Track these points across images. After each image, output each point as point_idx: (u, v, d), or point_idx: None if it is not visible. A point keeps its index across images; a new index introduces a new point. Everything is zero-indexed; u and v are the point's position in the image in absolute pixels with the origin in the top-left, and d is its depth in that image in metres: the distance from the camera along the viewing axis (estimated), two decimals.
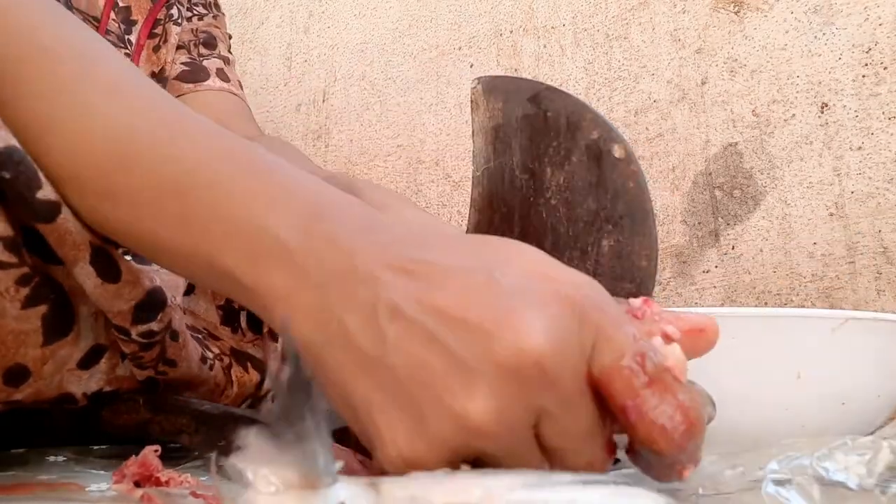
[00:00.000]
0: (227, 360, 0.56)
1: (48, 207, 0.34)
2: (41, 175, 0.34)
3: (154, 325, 0.41)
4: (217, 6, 0.84)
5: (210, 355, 0.52)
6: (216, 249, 0.31)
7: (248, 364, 0.58)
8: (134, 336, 0.41)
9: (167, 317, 0.42)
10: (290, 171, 0.33)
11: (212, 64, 0.77)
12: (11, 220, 0.35)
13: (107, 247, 0.38)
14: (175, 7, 0.75)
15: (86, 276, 0.37)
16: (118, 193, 0.33)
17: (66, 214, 0.35)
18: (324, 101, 1.15)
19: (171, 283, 0.43)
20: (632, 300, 0.31)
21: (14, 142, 0.33)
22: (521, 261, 0.29)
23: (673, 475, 0.29)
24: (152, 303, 0.40)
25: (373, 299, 0.28)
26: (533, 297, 0.27)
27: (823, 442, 0.30)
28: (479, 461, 0.28)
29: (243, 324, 0.63)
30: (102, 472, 0.42)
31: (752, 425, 0.46)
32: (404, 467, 0.27)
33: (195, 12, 0.79)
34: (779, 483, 0.29)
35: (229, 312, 0.62)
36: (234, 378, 0.55)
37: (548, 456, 0.29)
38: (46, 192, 0.34)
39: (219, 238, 0.31)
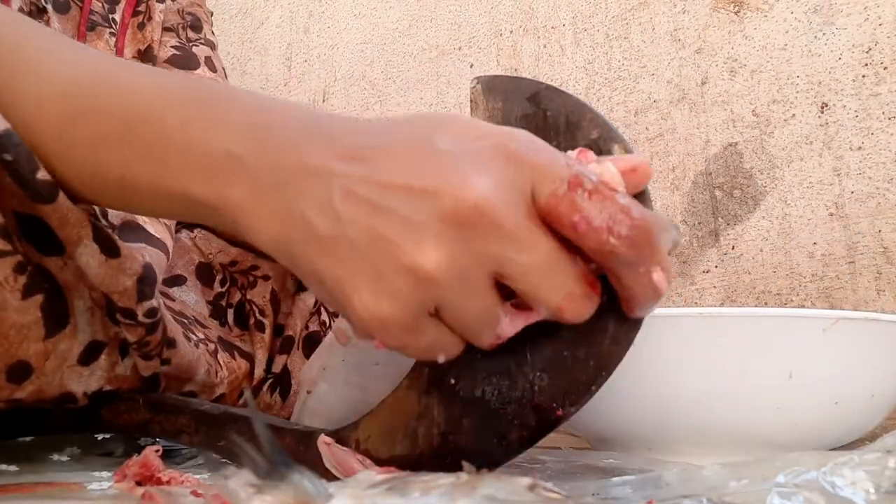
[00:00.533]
0: (212, 345, 0.56)
1: (49, 187, 0.35)
2: (36, 157, 0.35)
3: (154, 302, 0.42)
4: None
5: (193, 338, 0.53)
6: (177, 178, 0.33)
7: (235, 353, 0.59)
8: (140, 317, 0.42)
9: (158, 296, 0.43)
10: (230, 89, 0.36)
11: (201, 52, 0.77)
12: (3, 207, 0.35)
13: (100, 223, 0.38)
14: None
15: (90, 255, 0.38)
16: (78, 145, 0.35)
17: (63, 197, 0.36)
18: (324, 101, 1.15)
19: (155, 262, 0.45)
20: (568, 152, 0.32)
21: (9, 125, 0.34)
22: (455, 125, 0.31)
23: (648, 287, 0.30)
24: (150, 277, 0.41)
25: (326, 189, 0.31)
26: (467, 153, 0.30)
27: (829, 456, 0.30)
28: (441, 314, 0.31)
29: (230, 320, 0.63)
30: (103, 472, 0.42)
31: (744, 425, 0.45)
32: (377, 326, 0.30)
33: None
34: (785, 496, 0.29)
35: (217, 308, 0.63)
36: (221, 362, 0.56)
37: (523, 301, 0.31)
38: (45, 174, 0.35)
39: (178, 167, 0.33)
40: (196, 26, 0.79)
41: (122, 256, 0.39)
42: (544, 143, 0.31)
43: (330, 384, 0.45)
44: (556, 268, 0.30)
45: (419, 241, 0.29)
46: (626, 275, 0.30)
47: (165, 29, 0.75)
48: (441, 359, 0.33)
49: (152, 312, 0.42)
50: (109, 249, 0.39)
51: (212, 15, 0.83)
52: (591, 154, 0.32)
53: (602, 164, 0.31)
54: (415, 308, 0.30)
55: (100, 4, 0.67)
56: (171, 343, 0.47)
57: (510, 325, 0.32)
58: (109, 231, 0.39)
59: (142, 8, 0.73)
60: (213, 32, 0.82)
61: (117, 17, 0.70)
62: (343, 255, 0.30)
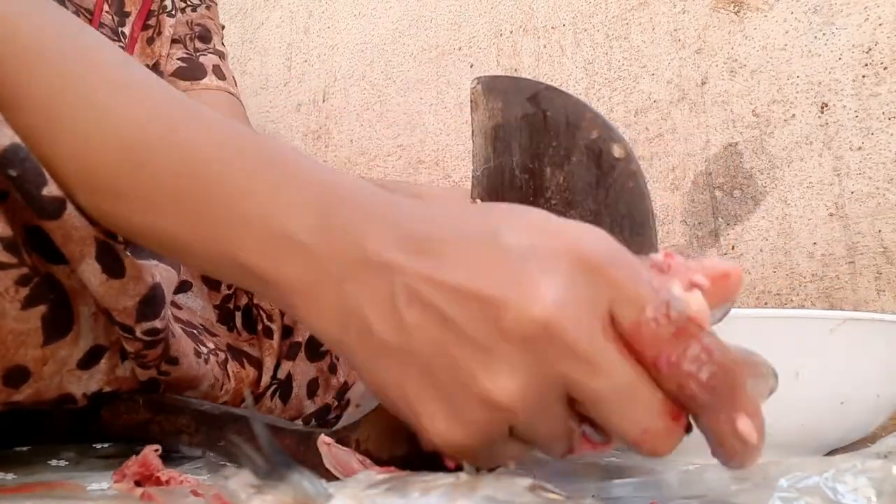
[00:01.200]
0: (222, 355, 0.56)
1: (54, 204, 0.35)
2: (45, 172, 0.34)
3: (157, 323, 0.42)
4: None
5: (204, 350, 0.53)
6: (235, 247, 0.31)
7: (244, 360, 0.59)
8: (138, 334, 0.41)
9: (167, 313, 0.43)
10: (300, 158, 0.33)
11: (208, 60, 0.76)
12: (11, 221, 0.35)
13: (111, 241, 0.38)
14: None
15: (91, 273, 0.37)
16: (132, 194, 0.33)
17: (71, 210, 0.36)
18: (324, 101, 1.15)
19: (166, 279, 0.43)
20: (653, 255, 0.30)
21: (18, 139, 0.33)
22: (527, 219, 0.29)
23: (731, 436, 0.28)
24: (155, 299, 0.41)
25: (388, 287, 0.28)
26: (538, 257, 0.27)
27: (832, 462, 0.30)
28: (516, 434, 0.29)
29: (238, 324, 0.63)
30: (103, 472, 0.42)
31: None
32: (451, 450, 0.29)
33: (188, 3, 0.78)
34: (786, 501, 0.29)
35: (225, 312, 0.63)
36: (230, 373, 0.56)
37: (597, 428, 0.29)
38: (52, 189, 0.34)
39: (237, 236, 0.31)
40: (204, 37, 0.78)
41: (126, 277, 0.38)
42: (623, 248, 0.28)
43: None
44: (635, 398, 0.27)
45: (489, 366, 0.27)
46: (706, 419, 0.28)
47: (173, 41, 0.75)
48: (511, 466, 0.31)
49: (153, 332, 0.42)
50: (112, 269, 0.38)
51: (223, 28, 0.83)
52: (678, 258, 0.29)
53: (692, 294, 0.28)
54: (489, 436, 0.28)
55: (109, 17, 0.66)
56: (173, 360, 0.46)
57: (586, 443, 0.30)
58: (119, 250, 0.38)
59: (152, 22, 0.73)
60: (223, 43, 0.81)
61: (127, 30, 0.69)
62: (410, 368, 0.28)
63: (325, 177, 0.32)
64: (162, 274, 0.42)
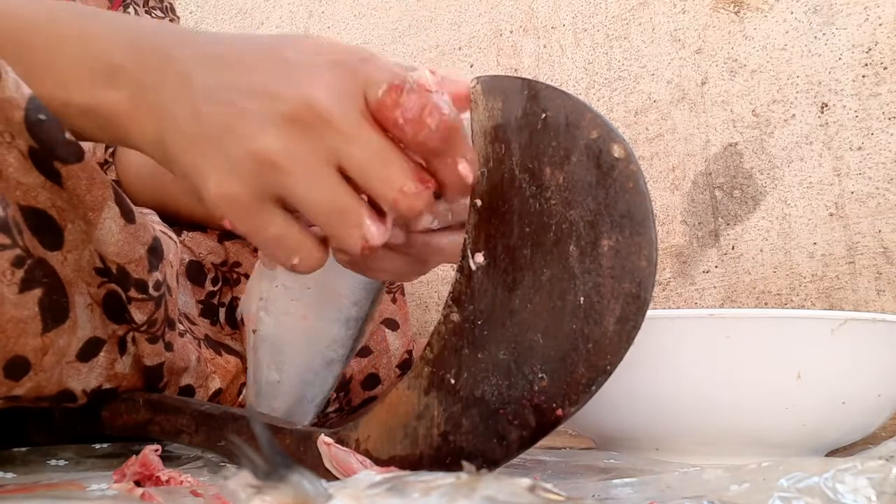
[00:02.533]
0: (195, 342, 0.56)
1: (76, 148, 0.38)
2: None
3: (159, 275, 0.44)
4: (173, 10, 0.84)
5: (180, 327, 0.53)
6: (65, 89, 0.37)
7: (222, 350, 0.59)
8: (150, 290, 0.43)
9: (164, 269, 0.44)
10: (110, 12, 0.39)
11: None
12: (3, 201, 0.35)
13: (117, 188, 0.41)
14: (132, 7, 0.75)
15: (113, 218, 0.40)
16: None
17: (90, 155, 0.39)
18: None
19: (164, 240, 0.46)
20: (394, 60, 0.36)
21: (32, 91, 0.36)
22: (307, 41, 0.36)
23: (456, 177, 0.35)
24: (157, 248, 0.43)
25: (191, 90, 0.35)
26: (312, 65, 0.35)
27: (832, 463, 0.30)
28: (288, 201, 0.35)
29: (222, 318, 0.63)
30: (103, 472, 0.42)
31: (752, 425, 0.46)
32: (225, 204, 0.35)
33: (153, 15, 0.79)
34: (786, 501, 0.29)
35: (209, 307, 0.63)
36: (204, 358, 0.56)
37: (360, 192, 0.35)
38: (69, 135, 0.37)
39: (66, 78, 0.37)
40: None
41: (137, 223, 0.42)
42: (378, 56, 0.36)
43: (272, 315, 0.45)
44: (388, 161, 0.34)
45: (262, 131, 0.34)
46: (438, 166, 0.35)
47: None
48: (295, 260, 0.36)
49: (158, 285, 0.44)
50: (128, 213, 0.41)
51: None
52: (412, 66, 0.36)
53: (418, 70, 0.35)
54: (257, 188, 0.34)
55: None
56: (172, 323, 0.47)
57: (376, 228, 0.35)
58: (124, 196, 0.41)
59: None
60: None
61: None
62: (202, 146, 0.35)
63: (133, 18, 0.38)
64: (157, 234, 0.44)
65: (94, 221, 0.39)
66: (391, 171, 0.34)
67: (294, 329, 0.45)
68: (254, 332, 0.46)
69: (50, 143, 0.37)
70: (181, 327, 0.54)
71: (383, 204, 0.35)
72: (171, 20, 0.82)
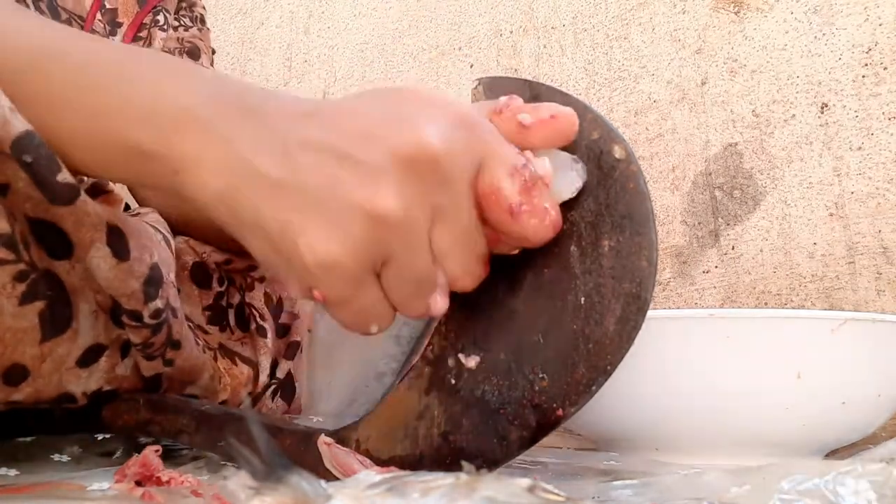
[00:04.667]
0: (211, 353, 0.56)
1: (68, 190, 0.35)
2: (58, 159, 0.35)
3: (159, 303, 0.42)
4: (203, 21, 0.84)
5: (200, 342, 0.53)
6: (130, 131, 0.33)
7: (236, 358, 0.59)
8: (146, 319, 0.42)
9: (166, 293, 0.43)
10: (188, 61, 0.37)
11: None
12: (11, 216, 0.35)
13: (117, 222, 0.39)
14: (162, 14, 0.75)
15: (101, 258, 0.38)
16: (34, 98, 0.35)
17: (84, 196, 0.36)
18: None
19: (165, 260, 0.44)
20: (501, 98, 0.34)
21: (31, 126, 0.34)
22: (416, 94, 0.32)
23: (511, 246, 0.34)
24: (156, 277, 0.42)
25: (282, 140, 0.31)
26: (425, 113, 0.31)
27: (833, 465, 0.30)
28: (386, 271, 0.31)
29: (231, 322, 0.63)
30: (103, 472, 0.42)
31: (753, 425, 0.46)
32: (323, 271, 0.30)
33: (182, 23, 0.79)
34: (787, 503, 0.29)
35: (217, 311, 0.63)
36: (222, 369, 0.56)
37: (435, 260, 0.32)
38: (66, 176, 0.35)
39: (133, 120, 0.33)
40: (193, 53, 0.78)
41: (130, 259, 0.39)
42: (492, 125, 0.32)
43: (325, 318, 0.45)
44: (470, 242, 0.32)
45: (376, 182, 0.29)
46: (503, 241, 0.33)
47: None
48: (374, 329, 0.33)
49: (157, 313, 0.42)
50: (120, 251, 0.39)
51: (214, 53, 0.83)
52: (516, 101, 0.34)
53: (539, 159, 0.32)
54: (365, 255, 0.30)
55: (102, 25, 0.67)
56: (176, 344, 0.46)
57: (441, 298, 0.33)
58: (123, 228, 0.39)
59: (143, 34, 0.73)
60: (212, 64, 0.82)
61: (117, 39, 0.70)
62: (294, 199, 0.30)
63: (214, 71, 0.37)
64: (161, 255, 0.43)
65: (82, 257, 0.38)
66: (472, 256, 0.32)
67: (345, 336, 0.45)
68: (308, 331, 0.46)
69: (39, 183, 0.35)
70: (201, 342, 0.54)
71: (448, 277, 0.32)
72: (200, 29, 0.82)
